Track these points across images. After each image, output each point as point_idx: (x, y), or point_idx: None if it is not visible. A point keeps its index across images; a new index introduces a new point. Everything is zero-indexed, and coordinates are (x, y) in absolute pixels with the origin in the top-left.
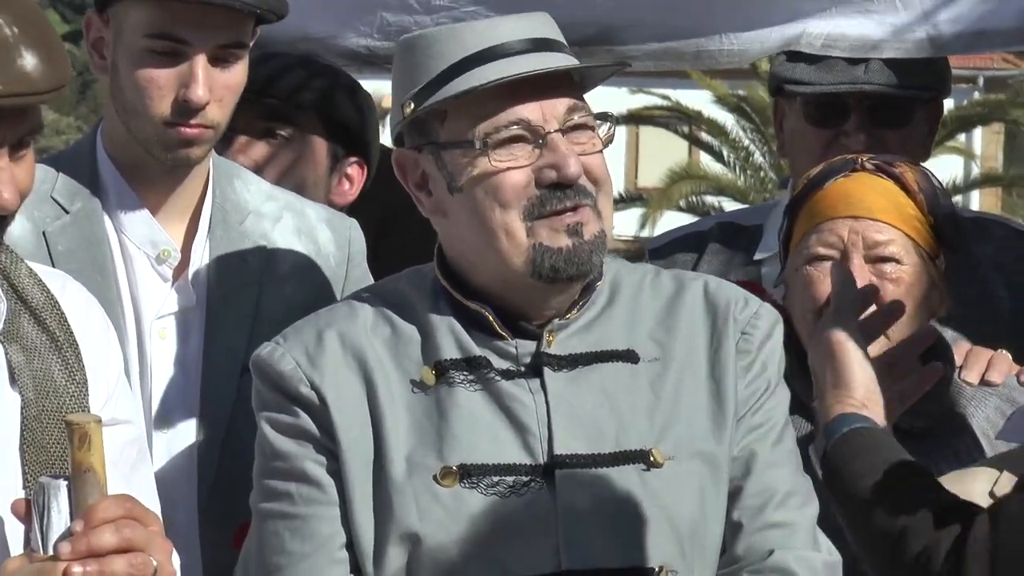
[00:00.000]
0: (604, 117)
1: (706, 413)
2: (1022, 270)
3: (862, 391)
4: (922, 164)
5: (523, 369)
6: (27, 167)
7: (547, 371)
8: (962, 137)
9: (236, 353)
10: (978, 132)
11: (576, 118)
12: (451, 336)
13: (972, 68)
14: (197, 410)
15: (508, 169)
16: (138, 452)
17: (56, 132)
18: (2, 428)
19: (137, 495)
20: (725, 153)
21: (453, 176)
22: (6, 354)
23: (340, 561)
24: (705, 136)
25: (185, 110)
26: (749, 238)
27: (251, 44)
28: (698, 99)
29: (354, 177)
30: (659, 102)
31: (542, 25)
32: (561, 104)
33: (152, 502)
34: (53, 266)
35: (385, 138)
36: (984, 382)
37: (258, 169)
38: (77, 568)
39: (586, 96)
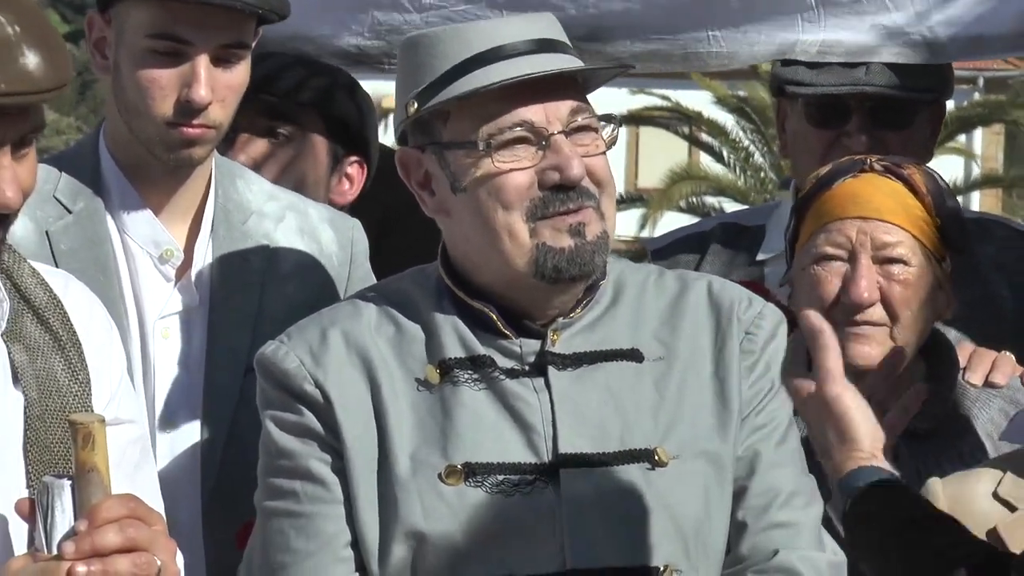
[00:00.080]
0: (607, 119)
1: (710, 412)
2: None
3: (868, 441)
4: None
5: (527, 368)
6: (29, 166)
7: (551, 370)
8: (962, 138)
9: (239, 353)
10: (978, 133)
11: (579, 120)
12: (455, 335)
13: (972, 69)
14: (200, 410)
15: (511, 171)
16: (141, 452)
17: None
18: (6, 428)
19: (140, 495)
20: (725, 154)
21: (456, 176)
22: (9, 354)
23: (345, 559)
24: (705, 137)
25: (187, 110)
26: (751, 239)
27: (253, 44)
28: (698, 100)
29: (354, 177)
30: (659, 103)
31: (546, 26)
32: (564, 106)
33: (155, 502)
34: (56, 266)
35: (383, 138)
36: (988, 384)
37: (258, 167)
38: (81, 568)
39: (586, 97)
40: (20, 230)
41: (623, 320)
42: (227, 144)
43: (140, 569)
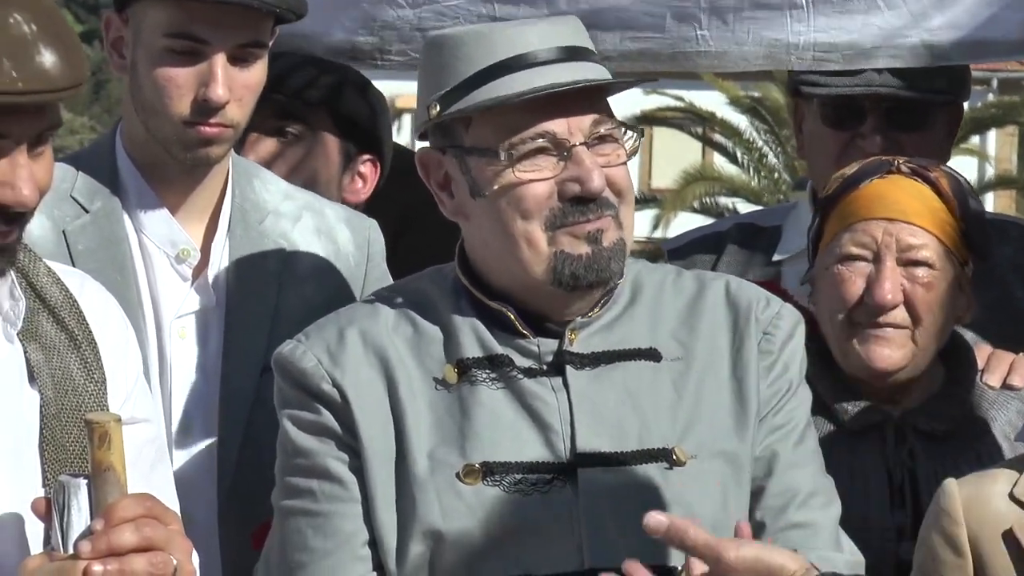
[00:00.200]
0: (630, 128)
1: (728, 412)
2: None
3: (792, 563)
4: None
5: (545, 367)
6: (46, 164)
7: (569, 369)
8: (976, 139)
9: (255, 353)
10: (992, 134)
11: (602, 130)
12: (473, 335)
13: (986, 70)
14: (216, 409)
15: (531, 181)
16: (157, 451)
17: (70, 131)
18: (22, 427)
19: (156, 494)
20: (739, 154)
21: (476, 182)
22: (25, 353)
23: (363, 558)
24: (719, 137)
25: (204, 109)
26: (768, 239)
27: (270, 44)
28: (712, 100)
29: (367, 175)
30: (673, 103)
31: (571, 32)
32: (587, 118)
33: (171, 501)
34: (73, 265)
35: (397, 137)
36: (1006, 385)
37: (267, 166)
38: (97, 567)
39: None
40: (37, 229)
41: (641, 320)
42: (237, 144)
43: (156, 568)
